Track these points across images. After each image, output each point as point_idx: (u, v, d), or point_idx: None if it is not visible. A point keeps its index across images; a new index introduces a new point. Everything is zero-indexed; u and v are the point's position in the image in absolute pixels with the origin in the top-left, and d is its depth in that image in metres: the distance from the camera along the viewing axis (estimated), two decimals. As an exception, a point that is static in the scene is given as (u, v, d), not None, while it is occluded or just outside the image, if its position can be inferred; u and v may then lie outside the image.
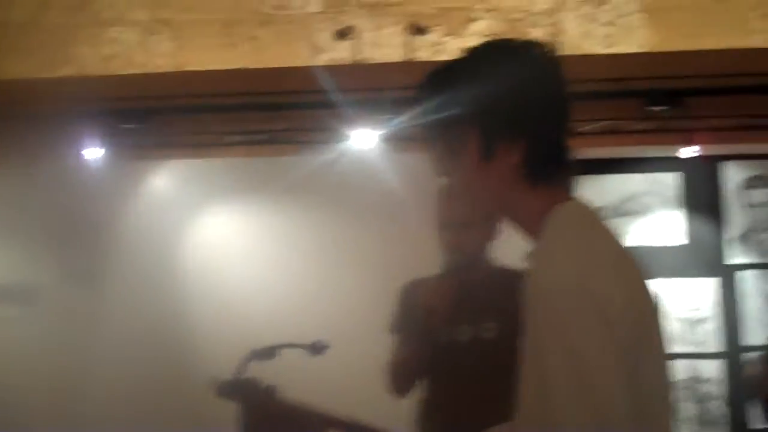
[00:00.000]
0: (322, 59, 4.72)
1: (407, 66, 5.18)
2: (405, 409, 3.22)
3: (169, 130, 5.60)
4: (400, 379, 3.19)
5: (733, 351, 5.17)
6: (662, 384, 1.54)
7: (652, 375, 1.50)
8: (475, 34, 5.16)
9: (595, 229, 1.56)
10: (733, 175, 5.49)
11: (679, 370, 5.06)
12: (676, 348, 5.02)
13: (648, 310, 1.53)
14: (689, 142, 5.37)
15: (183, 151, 5.78)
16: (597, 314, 1.40)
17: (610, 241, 1.55)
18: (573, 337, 1.39)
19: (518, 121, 1.55)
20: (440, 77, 1.60)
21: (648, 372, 1.48)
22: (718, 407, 5.17)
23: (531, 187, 1.57)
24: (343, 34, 4.41)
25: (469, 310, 3.06)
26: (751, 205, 5.43)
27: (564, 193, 1.61)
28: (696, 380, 5.16)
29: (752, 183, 5.46)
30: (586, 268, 1.43)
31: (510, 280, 3.04)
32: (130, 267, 5.72)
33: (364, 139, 5.33)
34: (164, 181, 5.87)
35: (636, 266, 1.54)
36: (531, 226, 1.57)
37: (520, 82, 1.56)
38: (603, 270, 1.45)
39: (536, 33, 4.63)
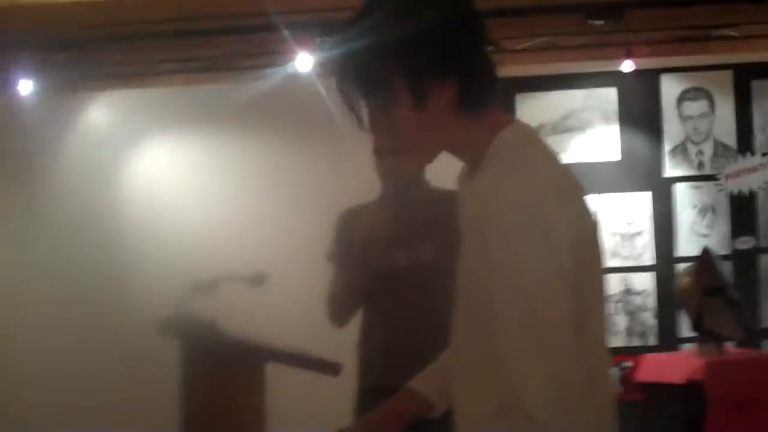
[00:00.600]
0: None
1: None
2: (346, 337, 3.27)
3: (103, 60, 5.50)
4: (340, 307, 3.24)
5: (666, 263, 5.30)
6: (601, 299, 1.60)
7: (592, 292, 1.54)
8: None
9: (537, 152, 1.57)
10: (669, 89, 5.53)
11: (613, 283, 5.17)
12: (611, 262, 5.12)
13: (590, 230, 1.57)
14: (627, 56, 5.40)
15: (118, 82, 5.69)
16: (544, 241, 1.42)
17: (551, 162, 1.57)
18: (521, 265, 1.42)
19: (442, 59, 1.51)
20: (360, 47, 1.53)
21: (588, 289, 1.52)
22: (649, 318, 5.32)
23: (469, 119, 1.55)
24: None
25: (406, 234, 3.09)
26: (688, 117, 5.50)
27: (502, 117, 1.60)
28: (629, 293, 5.30)
29: (688, 95, 5.52)
30: (531, 194, 1.45)
31: (447, 203, 3.08)
32: (66, 202, 5.67)
33: (303, 63, 5.28)
34: (99, 113, 5.78)
35: (577, 185, 1.57)
36: (475, 156, 1.57)
37: (432, 19, 1.50)
38: (547, 194, 1.46)
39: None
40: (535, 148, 1.57)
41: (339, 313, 3.24)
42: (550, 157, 1.57)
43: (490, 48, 1.57)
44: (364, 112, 1.56)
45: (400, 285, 3.12)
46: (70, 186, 5.69)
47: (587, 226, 1.56)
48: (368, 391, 3.17)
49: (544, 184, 1.48)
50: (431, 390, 1.89)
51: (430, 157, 1.65)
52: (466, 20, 1.53)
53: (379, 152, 3.11)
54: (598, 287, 1.59)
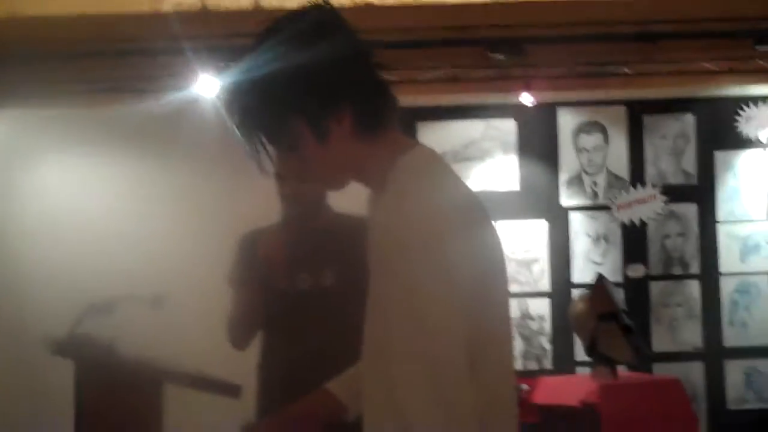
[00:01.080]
0: (169, 4, 4.63)
1: (255, 13, 5.14)
2: (246, 360, 3.26)
3: (3, 78, 5.39)
4: (240, 330, 3.22)
5: (562, 289, 5.45)
6: (506, 324, 1.60)
7: (496, 317, 1.55)
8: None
9: (439, 176, 1.56)
10: (566, 122, 5.71)
11: (511, 308, 5.28)
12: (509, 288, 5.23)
13: (495, 254, 1.57)
14: (527, 89, 5.55)
15: (17, 101, 5.57)
16: (440, 270, 1.42)
17: (453, 187, 1.56)
18: (416, 295, 1.41)
19: (334, 91, 1.53)
20: (245, 86, 1.55)
21: (492, 315, 1.52)
22: (545, 343, 5.45)
23: (370, 144, 1.57)
24: (188, -22, 4.33)
25: (307, 258, 3.09)
26: (583, 150, 5.68)
27: (405, 140, 1.61)
28: (525, 317, 5.42)
29: (584, 128, 5.71)
30: (429, 222, 1.44)
31: (349, 228, 3.11)
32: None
33: (208, 87, 5.27)
34: (-1, 132, 5.64)
35: (481, 209, 1.56)
36: (379, 181, 1.57)
37: (319, 55, 1.51)
38: (447, 221, 1.46)
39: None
40: (437, 172, 1.56)
41: (239, 336, 3.23)
42: (453, 182, 1.56)
43: (381, 73, 1.58)
44: (266, 154, 1.58)
45: (301, 308, 3.12)
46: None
47: (491, 251, 1.56)
48: (268, 413, 3.16)
49: (444, 211, 1.47)
50: (345, 393, 1.90)
51: (337, 186, 1.66)
52: (353, 51, 1.55)
53: (280, 177, 3.13)
54: (503, 312, 1.60)
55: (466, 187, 1.58)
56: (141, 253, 5.22)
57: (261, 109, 1.53)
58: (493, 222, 1.59)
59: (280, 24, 1.56)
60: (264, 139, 1.56)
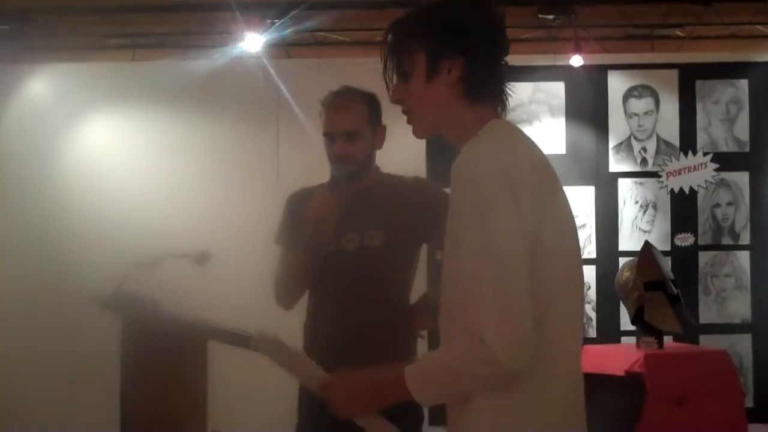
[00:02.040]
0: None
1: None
2: (293, 319, 3.25)
3: (47, 32, 5.39)
4: (287, 290, 3.20)
5: (608, 257, 5.36)
6: (575, 289, 1.83)
7: (566, 272, 1.76)
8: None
9: (518, 139, 1.79)
10: (616, 85, 5.59)
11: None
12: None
13: (560, 221, 1.77)
14: (576, 51, 5.45)
15: (63, 55, 5.58)
16: (512, 196, 1.65)
17: (531, 148, 1.79)
18: (489, 223, 1.63)
19: (456, 41, 1.80)
20: (398, 23, 1.89)
21: (561, 267, 1.73)
22: (590, 311, 5.39)
23: (468, 105, 1.81)
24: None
25: (355, 219, 3.05)
26: (633, 114, 5.56)
27: (494, 111, 1.84)
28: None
29: (634, 92, 5.59)
30: (507, 158, 1.68)
31: (395, 189, 3.10)
32: (6, 175, 5.54)
33: (252, 44, 5.23)
34: (41, 86, 5.64)
35: (554, 173, 1.79)
36: (464, 141, 1.77)
37: (458, 13, 1.82)
38: (524, 164, 1.69)
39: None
40: (517, 137, 1.80)
41: (286, 295, 3.21)
42: (531, 146, 1.79)
43: (504, 58, 1.84)
44: (392, 80, 1.88)
45: (348, 269, 3.08)
46: (9, 159, 5.56)
47: (559, 216, 1.75)
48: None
49: (521, 161, 1.70)
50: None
51: (422, 131, 1.88)
52: (483, 19, 1.82)
53: (329, 135, 3.09)
54: (573, 268, 1.79)
55: (542, 154, 1.81)
56: (186, 211, 5.22)
57: (400, 36, 1.86)
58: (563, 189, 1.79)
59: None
60: (394, 69, 1.87)
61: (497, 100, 1.83)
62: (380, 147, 3.09)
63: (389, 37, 1.88)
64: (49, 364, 5.31)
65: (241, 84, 5.18)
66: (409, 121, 1.89)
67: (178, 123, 5.55)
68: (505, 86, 1.84)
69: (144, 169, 5.45)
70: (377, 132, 3.02)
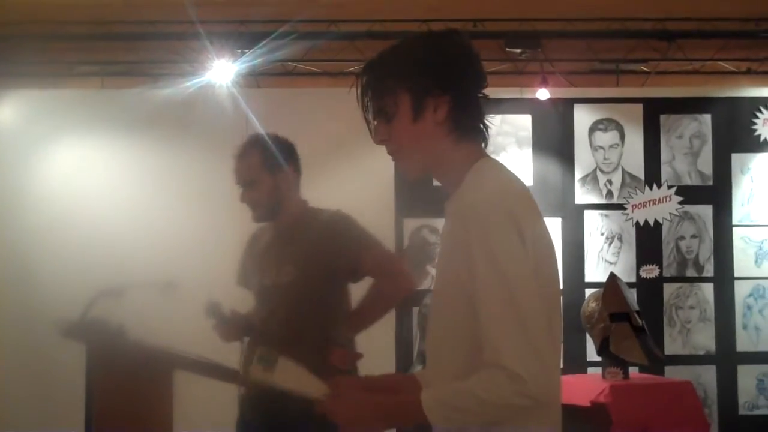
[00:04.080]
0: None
1: (270, 1, 5.12)
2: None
3: (17, 58, 5.37)
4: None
5: (575, 288, 5.39)
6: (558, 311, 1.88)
7: (552, 299, 1.82)
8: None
9: (509, 177, 1.84)
10: (582, 118, 5.67)
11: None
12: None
13: (549, 248, 1.83)
14: (543, 85, 5.52)
15: (32, 81, 5.55)
16: (517, 237, 1.70)
17: (521, 186, 1.84)
18: (499, 254, 1.69)
19: (441, 78, 1.82)
20: (376, 63, 1.88)
21: (548, 295, 1.78)
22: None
23: (456, 141, 1.84)
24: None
25: (274, 255, 3.19)
26: (599, 147, 5.63)
27: (480, 151, 1.88)
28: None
29: (600, 125, 5.66)
30: (507, 202, 1.73)
31: (310, 225, 3.20)
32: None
33: (221, 73, 5.25)
34: (10, 112, 5.61)
35: (537, 209, 1.84)
36: (454, 179, 1.84)
37: (439, 50, 1.84)
38: (520, 205, 1.75)
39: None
40: (508, 174, 1.85)
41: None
42: (520, 183, 1.84)
43: (483, 92, 1.86)
44: (373, 122, 1.89)
45: (266, 304, 3.20)
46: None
47: (547, 236, 1.82)
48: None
49: (517, 198, 1.77)
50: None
51: (413, 171, 1.90)
52: (464, 57, 1.85)
53: (238, 184, 3.22)
54: (556, 291, 1.86)
55: (525, 187, 1.86)
56: (152, 240, 5.19)
57: (380, 77, 1.85)
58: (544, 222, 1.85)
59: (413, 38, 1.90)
60: (375, 108, 1.87)
61: (481, 134, 1.86)
62: (288, 187, 3.19)
63: (366, 77, 1.87)
64: (15, 389, 5.25)
65: (210, 113, 5.18)
66: (395, 161, 1.90)
67: (147, 151, 5.53)
68: (486, 120, 1.87)
69: (111, 197, 5.42)
70: (280, 176, 3.15)
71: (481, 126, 1.86)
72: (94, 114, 5.44)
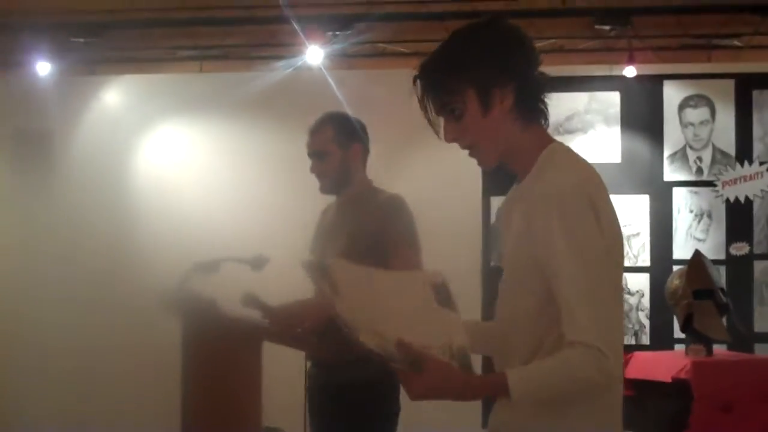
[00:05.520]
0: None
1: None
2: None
3: (121, 44, 5.62)
4: None
5: (662, 265, 5.37)
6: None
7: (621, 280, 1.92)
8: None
9: (581, 161, 1.90)
10: (672, 95, 5.61)
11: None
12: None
13: (619, 232, 1.90)
14: (631, 61, 5.49)
15: (135, 66, 5.80)
16: (594, 218, 1.77)
17: (592, 171, 1.89)
18: (577, 235, 1.75)
19: (505, 69, 1.85)
20: (433, 63, 1.90)
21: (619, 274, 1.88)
22: (643, 318, 5.42)
23: (523, 127, 1.89)
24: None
25: (331, 230, 3.38)
26: (688, 124, 5.59)
27: (548, 136, 1.94)
28: (624, 291, 5.38)
29: (690, 102, 5.61)
30: (584, 185, 1.80)
31: (366, 204, 3.33)
32: (80, 181, 5.79)
33: (313, 56, 5.40)
34: (115, 96, 5.89)
35: (605, 186, 1.89)
36: (525, 165, 1.90)
37: (499, 41, 1.88)
38: (595, 189, 1.82)
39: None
40: (578, 158, 1.91)
41: None
42: (591, 168, 1.89)
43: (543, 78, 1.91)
44: (440, 122, 1.93)
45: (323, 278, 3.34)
46: (83, 165, 5.81)
47: (618, 227, 1.88)
48: None
49: (592, 182, 1.83)
50: None
51: (488, 161, 1.94)
52: (524, 47, 1.90)
53: (309, 156, 3.37)
54: (621, 277, 1.93)
55: (597, 172, 1.90)
56: (246, 216, 5.39)
57: (441, 77, 1.88)
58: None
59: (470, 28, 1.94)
60: (439, 107, 1.89)
61: (543, 115, 1.91)
62: (355, 163, 3.33)
63: (426, 79, 1.89)
64: (115, 358, 5.54)
65: (303, 95, 5.33)
66: (471, 155, 1.94)
67: (242, 132, 5.73)
68: (546, 100, 1.92)
69: (208, 175, 5.64)
70: (349, 151, 3.31)
71: (543, 107, 1.91)
72: (193, 97, 5.66)
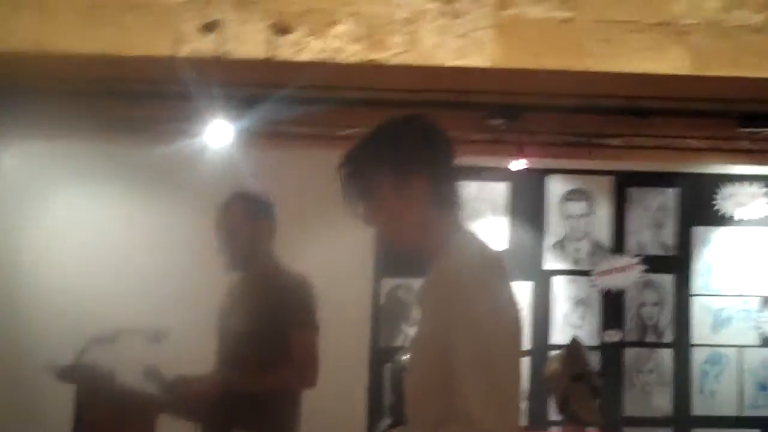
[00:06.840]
0: (185, 50, 4.85)
1: (268, 63, 5.36)
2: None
3: (19, 111, 5.58)
4: None
5: (540, 349, 5.62)
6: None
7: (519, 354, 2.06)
8: (337, 36, 5.36)
9: (484, 248, 2.06)
10: (555, 188, 5.94)
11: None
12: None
13: (517, 310, 2.07)
14: (520, 155, 5.77)
15: (33, 134, 5.75)
16: (496, 303, 1.93)
17: (495, 256, 2.06)
18: (479, 319, 1.89)
19: (421, 160, 2.04)
20: (357, 152, 2.08)
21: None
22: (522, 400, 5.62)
23: (437, 214, 2.05)
24: (208, 27, 4.57)
25: (239, 304, 3.54)
26: (569, 216, 5.91)
27: (459, 223, 2.10)
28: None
29: (571, 196, 5.93)
30: (485, 274, 1.96)
31: (266, 281, 3.46)
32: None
33: (220, 133, 5.47)
34: (12, 161, 5.80)
35: (508, 275, 2.05)
36: (436, 248, 2.04)
37: (417, 136, 2.07)
38: (497, 270, 1.99)
39: (394, 40, 4.88)
40: (484, 244, 2.06)
41: None
42: (495, 252, 2.07)
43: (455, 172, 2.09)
44: (360, 205, 2.07)
45: (227, 351, 3.55)
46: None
47: (516, 302, 2.05)
48: None
49: (494, 266, 2.00)
50: None
51: (400, 242, 2.10)
52: (440, 139, 2.09)
53: (217, 235, 3.54)
54: (520, 356, 2.06)
55: (501, 256, 2.10)
56: (145, 289, 5.37)
57: (363, 166, 2.05)
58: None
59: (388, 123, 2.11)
60: (359, 193, 2.05)
61: (457, 205, 2.09)
62: (263, 240, 3.50)
63: (348, 167, 2.06)
64: (3, 428, 5.39)
65: (203, 171, 5.39)
66: (383, 237, 2.11)
67: (141, 204, 5.70)
68: (461, 192, 2.11)
69: (106, 246, 5.56)
70: (256, 227, 3.49)
71: (456, 196, 2.09)
72: (90, 166, 5.61)
